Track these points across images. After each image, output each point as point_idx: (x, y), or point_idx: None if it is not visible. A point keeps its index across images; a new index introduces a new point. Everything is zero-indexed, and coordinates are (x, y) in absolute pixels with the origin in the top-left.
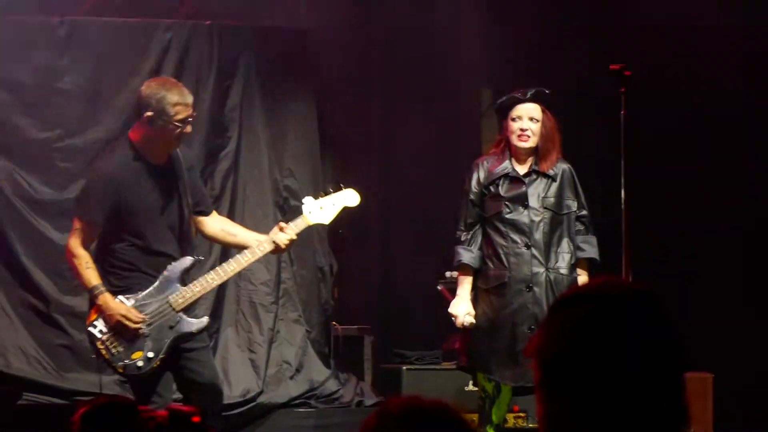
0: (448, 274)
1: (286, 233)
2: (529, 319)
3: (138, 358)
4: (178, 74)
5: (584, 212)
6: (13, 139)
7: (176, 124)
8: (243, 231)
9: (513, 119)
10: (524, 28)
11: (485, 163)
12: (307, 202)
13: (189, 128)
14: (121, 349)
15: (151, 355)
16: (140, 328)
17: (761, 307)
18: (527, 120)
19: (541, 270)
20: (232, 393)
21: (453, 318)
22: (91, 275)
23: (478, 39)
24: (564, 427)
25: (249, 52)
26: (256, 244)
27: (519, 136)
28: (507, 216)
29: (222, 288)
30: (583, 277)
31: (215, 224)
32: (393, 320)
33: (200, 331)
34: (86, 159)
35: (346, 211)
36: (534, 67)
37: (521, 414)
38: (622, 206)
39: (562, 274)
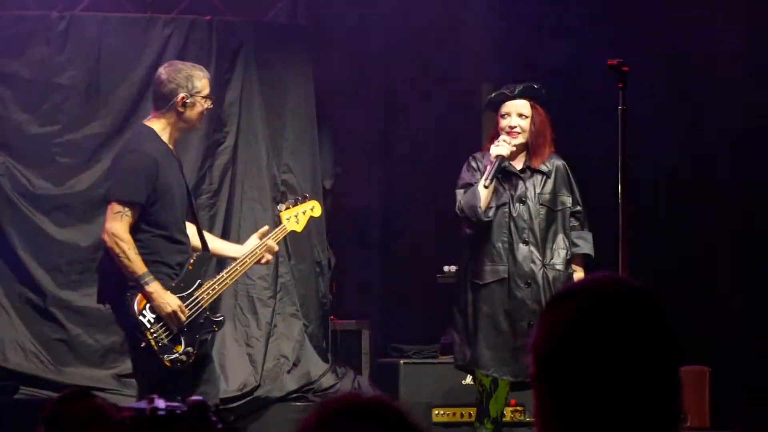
0: (446, 268)
1: (271, 243)
2: (528, 315)
3: (179, 352)
4: None
5: (579, 208)
6: (12, 134)
7: (205, 99)
8: (214, 239)
9: (502, 116)
10: (524, 21)
11: (481, 157)
12: (282, 209)
13: (211, 104)
14: (166, 341)
15: (189, 350)
16: (186, 322)
17: (757, 300)
18: (515, 116)
19: (539, 266)
20: (229, 387)
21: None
22: (141, 262)
23: (479, 33)
24: (558, 423)
25: (248, 48)
26: (237, 254)
27: (508, 133)
28: (505, 212)
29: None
30: (578, 273)
31: (190, 229)
32: (391, 314)
33: (220, 329)
34: (85, 154)
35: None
36: (532, 62)
37: (518, 408)
38: (619, 201)
39: (557, 270)
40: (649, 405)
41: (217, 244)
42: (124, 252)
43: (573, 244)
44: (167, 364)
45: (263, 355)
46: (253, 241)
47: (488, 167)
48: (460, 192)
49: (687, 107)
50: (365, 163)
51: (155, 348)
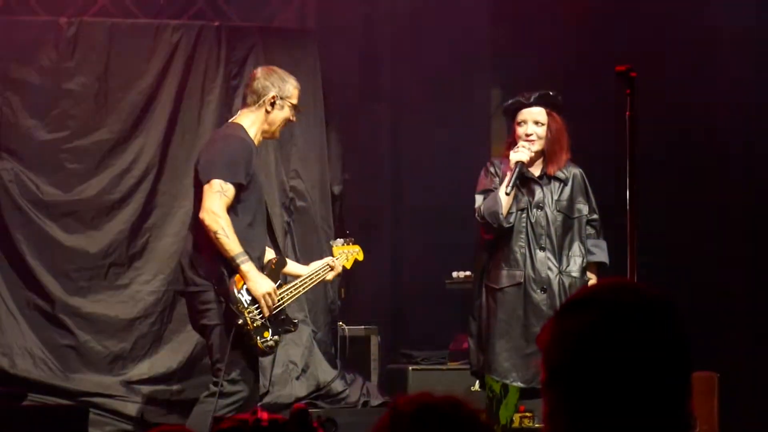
0: (455, 274)
1: (336, 267)
2: (542, 321)
3: (268, 338)
4: (185, 75)
5: (595, 216)
6: (21, 140)
7: (292, 108)
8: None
9: (518, 123)
10: (531, 27)
11: (499, 164)
12: (338, 245)
13: (294, 117)
14: (259, 324)
15: (276, 338)
16: (276, 308)
17: (766, 305)
18: (532, 124)
19: (555, 272)
20: None
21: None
22: (236, 241)
23: (487, 38)
24: (568, 429)
25: (257, 53)
26: (314, 269)
27: (524, 141)
28: (522, 217)
29: None
30: (593, 281)
31: None
32: (400, 320)
33: (296, 329)
34: (94, 160)
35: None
36: (541, 67)
37: (527, 414)
38: (628, 208)
39: (573, 277)
40: (660, 412)
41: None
42: (222, 229)
43: (588, 252)
44: (260, 346)
45: (272, 361)
46: (318, 265)
47: (508, 174)
48: (479, 198)
49: (693, 111)
50: (374, 169)
51: (251, 327)
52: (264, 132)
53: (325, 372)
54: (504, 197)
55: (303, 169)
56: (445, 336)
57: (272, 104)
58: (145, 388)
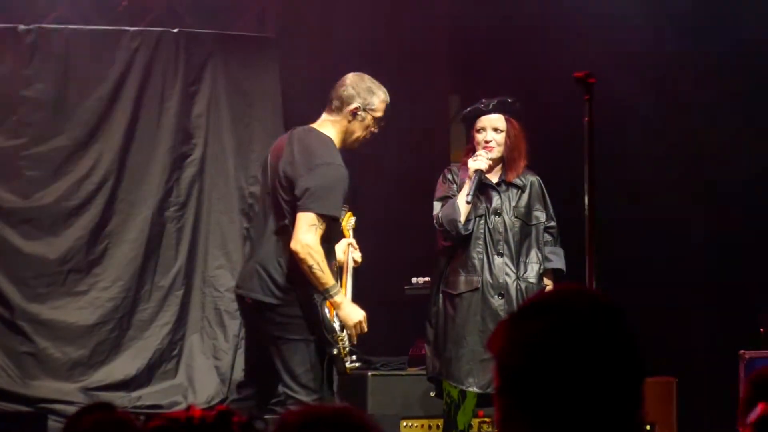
0: (414, 280)
1: (357, 255)
2: None
3: (352, 361)
4: (144, 81)
5: (552, 223)
6: None
7: (376, 121)
8: None
9: (477, 130)
10: (488, 33)
11: (456, 170)
12: (346, 215)
13: (376, 129)
14: (347, 350)
15: (355, 364)
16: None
17: (724, 311)
18: (491, 131)
19: (512, 278)
20: (197, 400)
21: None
22: (330, 274)
23: (445, 43)
24: None
25: (215, 60)
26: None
27: (483, 147)
28: (480, 223)
29: (187, 295)
30: (549, 288)
31: None
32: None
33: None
34: (52, 167)
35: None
36: (498, 73)
37: (486, 419)
38: (586, 213)
39: (531, 283)
40: (613, 417)
41: None
42: (318, 264)
43: (546, 259)
44: (348, 371)
45: (231, 367)
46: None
47: (467, 182)
48: (437, 204)
49: (650, 114)
50: None
51: (343, 354)
52: (342, 142)
53: None
54: (463, 205)
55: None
56: (405, 341)
57: (353, 114)
58: (104, 395)
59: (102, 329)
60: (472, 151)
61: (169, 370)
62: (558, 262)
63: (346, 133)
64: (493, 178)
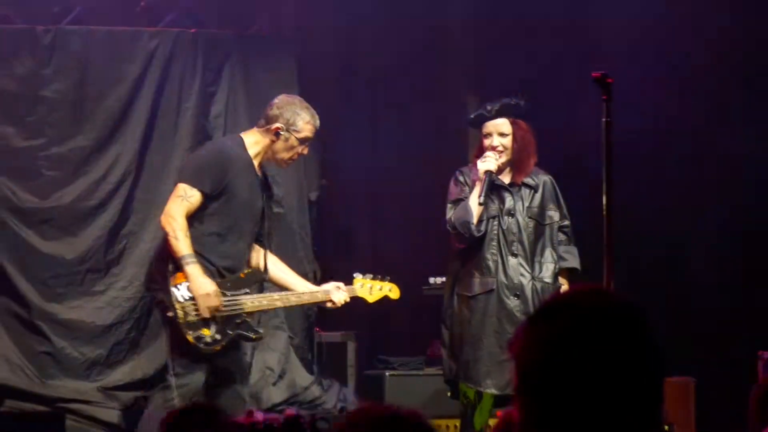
0: (432, 280)
1: (342, 295)
2: (515, 327)
3: (206, 335)
4: (162, 82)
5: (566, 222)
6: None
7: (300, 141)
8: (292, 274)
9: (484, 136)
10: (509, 32)
11: (468, 171)
12: (358, 277)
13: (305, 150)
14: (195, 319)
15: (218, 337)
16: (217, 311)
17: (741, 312)
18: (497, 136)
19: (527, 278)
20: None
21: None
22: (188, 243)
23: (464, 43)
24: None
25: (233, 60)
26: (310, 290)
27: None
28: (494, 224)
29: None
30: (564, 287)
31: (270, 258)
32: (376, 326)
33: (258, 339)
34: (71, 167)
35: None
36: (517, 74)
37: None
38: (604, 213)
39: (546, 283)
40: (632, 418)
41: (280, 273)
42: (174, 231)
43: (560, 258)
44: (190, 339)
45: (249, 367)
46: (330, 286)
47: (478, 184)
48: (449, 207)
49: (669, 115)
50: (352, 174)
51: (182, 321)
52: (267, 156)
53: (301, 378)
54: (475, 207)
55: (280, 176)
56: (422, 341)
57: (276, 134)
58: (122, 395)
59: (120, 329)
60: (481, 152)
61: None
62: (573, 261)
63: (271, 150)
64: (505, 179)
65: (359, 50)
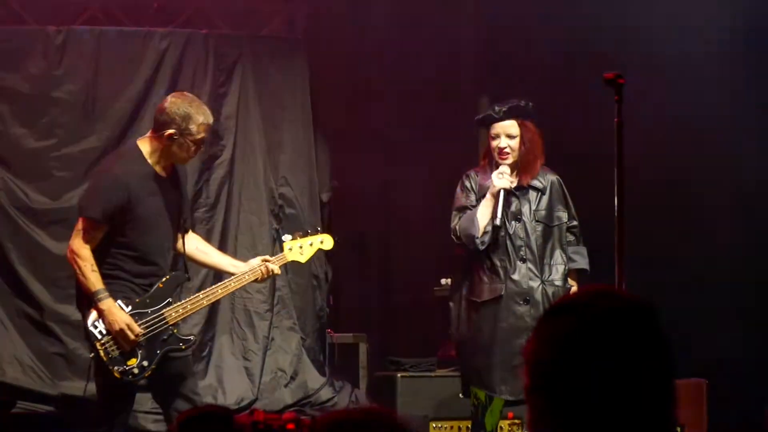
0: (443, 281)
1: (271, 266)
2: (527, 332)
3: (133, 365)
4: (173, 83)
5: (574, 223)
6: (9, 148)
7: (196, 143)
8: (216, 252)
9: (492, 137)
10: (519, 34)
11: (475, 176)
12: (287, 239)
13: (203, 148)
14: (117, 354)
15: (145, 363)
16: (139, 340)
17: (755, 313)
18: (504, 138)
19: (537, 283)
20: (226, 401)
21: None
22: (96, 279)
23: (475, 46)
24: None
25: (244, 61)
26: (236, 270)
27: (498, 154)
28: (501, 229)
29: None
30: (574, 288)
31: (191, 242)
32: (388, 327)
33: (189, 347)
34: (82, 168)
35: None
36: (528, 75)
37: (516, 421)
38: (615, 214)
39: (556, 285)
40: (643, 418)
41: (216, 258)
42: (80, 268)
43: (569, 259)
44: (116, 375)
45: (260, 368)
46: (255, 261)
47: (490, 199)
48: (455, 215)
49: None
50: (363, 175)
51: (104, 359)
52: (168, 160)
53: (313, 379)
54: (483, 220)
55: (291, 177)
56: (434, 343)
57: (170, 139)
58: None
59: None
60: (489, 154)
61: (198, 371)
62: (582, 262)
63: (168, 153)
64: (514, 182)
65: (370, 52)
